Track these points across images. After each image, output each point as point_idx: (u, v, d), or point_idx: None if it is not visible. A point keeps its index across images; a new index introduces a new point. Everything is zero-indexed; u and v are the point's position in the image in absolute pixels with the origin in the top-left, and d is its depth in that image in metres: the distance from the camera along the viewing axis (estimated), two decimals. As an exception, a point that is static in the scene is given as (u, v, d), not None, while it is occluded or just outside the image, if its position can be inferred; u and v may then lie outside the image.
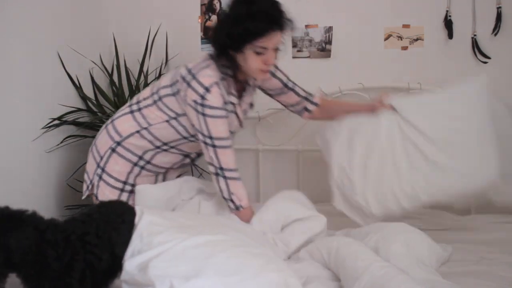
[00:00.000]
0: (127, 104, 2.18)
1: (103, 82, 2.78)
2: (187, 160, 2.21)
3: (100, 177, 2.11)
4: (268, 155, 2.70)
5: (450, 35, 2.42)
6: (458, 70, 2.45)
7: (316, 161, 2.65)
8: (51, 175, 2.45)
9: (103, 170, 2.10)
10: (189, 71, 1.96)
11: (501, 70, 2.40)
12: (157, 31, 2.76)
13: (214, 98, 1.91)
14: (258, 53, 1.90)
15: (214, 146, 1.95)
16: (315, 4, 2.59)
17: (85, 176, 2.18)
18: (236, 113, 2.07)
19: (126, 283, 1.48)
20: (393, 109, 2.08)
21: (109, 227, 1.51)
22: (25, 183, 2.29)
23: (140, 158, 2.10)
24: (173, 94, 2.01)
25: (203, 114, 1.92)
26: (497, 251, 1.92)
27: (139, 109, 2.09)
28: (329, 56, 2.59)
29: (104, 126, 2.18)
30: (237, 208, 1.98)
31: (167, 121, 2.04)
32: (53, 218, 1.52)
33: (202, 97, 1.91)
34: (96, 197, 2.13)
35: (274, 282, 1.45)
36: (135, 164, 2.11)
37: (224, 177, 1.96)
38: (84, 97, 2.63)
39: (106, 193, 2.10)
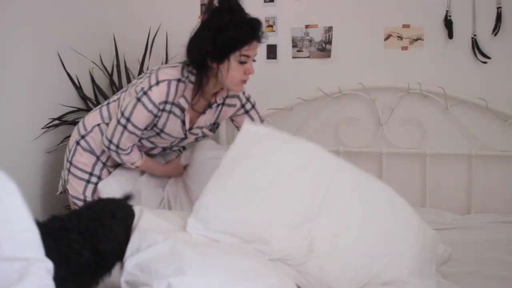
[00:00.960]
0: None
1: (103, 82, 2.78)
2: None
3: (69, 171, 2.14)
4: (268, 155, 2.70)
5: (450, 35, 2.42)
6: (458, 70, 2.45)
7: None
8: (51, 175, 2.45)
9: (70, 163, 2.14)
10: (157, 68, 2.03)
11: (501, 70, 2.40)
12: (157, 31, 2.76)
13: (158, 92, 1.95)
14: (241, 62, 1.93)
15: (124, 127, 2.00)
16: (315, 4, 2.59)
17: (62, 173, 2.23)
18: (183, 121, 2.06)
19: (127, 283, 1.48)
20: None
21: (95, 223, 1.50)
22: (25, 183, 2.28)
23: (103, 152, 2.14)
24: (135, 84, 2.05)
25: (138, 99, 1.96)
26: (497, 250, 1.92)
27: (108, 104, 2.16)
28: (329, 56, 2.59)
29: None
30: (135, 167, 2.14)
31: None
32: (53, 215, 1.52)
33: (150, 87, 1.95)
34: (67, 192, 2.17)
35: (273, 285, 1.44)
36: (98, 158, 2.15)
37: (117, 153, 2.06)
38: (84, 97, 2.63)
39: (73, 186, 2.14)
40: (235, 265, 1.48)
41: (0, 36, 2.16)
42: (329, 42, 2.59)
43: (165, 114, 2.02)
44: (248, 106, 2.22)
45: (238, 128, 2.25)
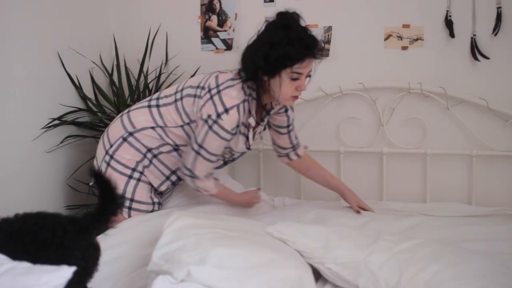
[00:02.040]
0: (147, 98, 2.21)
1: (103, 82, 2.78)
2: None
3: (108, 164, 2.12)
4: (268, 155, 2.70)
5: (452, 35, 2.42)
6: (458, 70, 2.45)
7: (317, 161, 2.65)
8: (51, 175, 2.45)
9: (111, 157, 2.11)
10: (217, 85, 2.00)
11: (501, 70, 2.40)
12: (157, 31, 2.76)
13: (229, 120, 1.96)
14: (292, 79, 1.94)
15: (198, 153, 2.00)
16: (315, 4, 2.59)
17: (94, 162, 2.20)
18: (246, 136, 2.10)
19: (152, 273, 1.52)
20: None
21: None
22: (25, 183, 2.29)
23: (149, 150, 2.12)
24: (194, 96, 2.04)
25: (210, 128, 1.96)
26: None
27: (157, 106, 2.13)
28: (327, 55, 2.58)
29: (119, 115, 2.21)
30: (209, 195, 2.12)
31: (181, 126, 2.07)
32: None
33: (218, 116, 1.95)
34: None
35: (289, 277, 1.48)
36: (145, 155, 2.13)
37: (192, 178, 2.05)
38: (84, 97, 2.62)
39: (113, 178, 2.09)
40: (255, 257, 1.53)
41: (0, 36, 2.15)
42: (328, 41, 2.59)
43: (235, 137, 2.05)
44: (291, 127, 2.28)
45: (274, 142, 2.33)
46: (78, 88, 2.60)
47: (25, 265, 1.23)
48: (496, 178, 2.45)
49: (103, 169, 2.12)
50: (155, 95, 2.18)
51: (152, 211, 2.16)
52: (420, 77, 2.46)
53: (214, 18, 2.74)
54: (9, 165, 2.21)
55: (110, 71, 2.78)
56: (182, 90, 2.10)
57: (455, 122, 2.46)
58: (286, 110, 2.23)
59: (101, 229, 1.49)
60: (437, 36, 2.46)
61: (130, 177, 2.11)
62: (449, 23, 2.42)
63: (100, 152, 2.17)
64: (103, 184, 1.49)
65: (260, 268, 1.48)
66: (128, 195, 2.10)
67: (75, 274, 1.21)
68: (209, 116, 1.96)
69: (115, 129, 2.15)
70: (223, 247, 1.53)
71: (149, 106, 2.13)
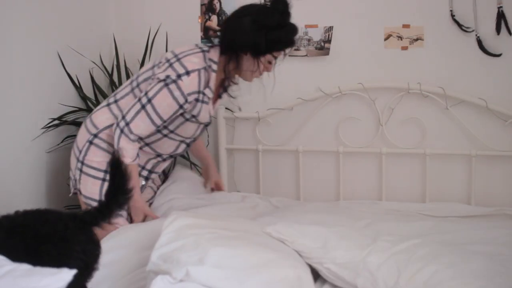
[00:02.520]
0: (106, 98, 2.21)
1: (103, 82, 2.78)
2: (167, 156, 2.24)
3: (81, 170, 2.11)
4: (268, 155, 2.70)
5: (462, 29, 2.39)
6: (457, 70, 2.44)
7: (316, 161, 2.65)
8: (51, 175, 2.45)
9: (82, 163, 2.11)
10: (175, 54, 1.99)
11: (501, 70, 2.40)
12: (157, 31, 2.76)
13: (189, 83, 1.94)
14: (270, 62, 2.04)
15: (143, 107, 1.95)
16: (315, 4, 2.59)
17: (70, 173, 2.20)
18: (209, 106, 2.10)
19: (151, 272, 1.52)
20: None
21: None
22: (25, 183, 2.29)
23: None
24: (151, 77, 2.02)
25: (166, 85, 1.93)
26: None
27: (116, 101, 2.13)
28: (327, 53, 2.58)
29: (83, 123, 2.21)
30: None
31: None
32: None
33: (178, 76, 1.93)
34: (80, 192, 2.13)
35: (288, 277, 1.49)
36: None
37: (122, 131, 1.97)
38: (84, 97, 2.63)
39: (88, 185, 2.09)
40: (255, 257, 1.53)
41: (0, 36, 2.16)
42: (328, 41, 2.59)
43: (199, 104, 2.04)
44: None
45: None
46: (78, 88, 2.60)
47: (25, 267, 1.24)
48: (496, 178, 2.45)
49: (77, 177, 2.11)
50: (112, 94, 2.18)
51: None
52: (419, 77, 2.46)
53: (214, 18, 2.74)
54: (9, 165, 2.22)
55: (110, 71, 2.79)
56: (137, 77, 2.10)
57: (454, 122, 2.46)
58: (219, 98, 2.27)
59: (102, 225, 1.50)
60: (437, 36, 2.45)
61: (104, 180, 2.08)
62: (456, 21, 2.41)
63: (72, 161, 2.17)
64: (117, 175, 1.47)
65: (259, 268, 1.48)
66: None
67: (76, 273, 1.21)
68: (168, 76, 1.93)
69: (81, 135, 2.15)
70: (222, 247, 1.52)
71: (108, 105, 2.14)
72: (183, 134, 2.16)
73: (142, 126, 1.98)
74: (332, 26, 2.57)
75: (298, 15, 2.58)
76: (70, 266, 1.22)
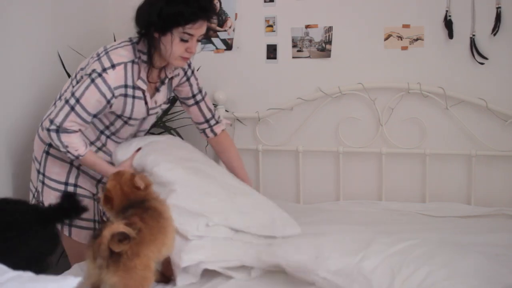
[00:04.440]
0: (53, 100, 2.12)
1: (103, 82, 2.78)
2: None
3: (43, 183, 2.04)
4: (268, 155, 2.70)
5: (451, 35, 2.42)
6: (458, 70, 2.45)
7: (316, 161, 2.65)
8: (51, 175, 2.45)
9: (43, 175, 2.04)
10: (105, 48, 1.95)
11: (501, 70, 2.40)
12: (157, 31, 2.75)
13: (114, 76, 1.88)
14: (183, 40, 1.89)
15: (72, 108, 1.87)
16: (315, 4, 2.59)
17: (30, 185, 2.13)
18: (145, 100, 2.00)
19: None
20: None
21: None
22: (25, 183, 2.29)
23: (77, 157, 1.97)
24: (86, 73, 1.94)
25: (92, 80, 1.86)
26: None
27: (55, 105, 2.03)
28: (329, 56, 2.59)
29: (37, 131, 2.11)
30: (77, 157, 1.92)
31: None
32: None
33: (104, 70, 1.87)
34: (42, 204, 2.04)
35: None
36: (71, 164, 2.05)
37: (57, 134, 1.88)
38: (84, 97, 2.62)
39: (51, 198, 2.00)
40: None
41: (0, 36, 2.15)
42: (329, 42, 2.59)
43: (129, 100, 1.95)
44: (189, 72, 2.14)
45: (182, 100, 2.19)
46: (78, 88, 2.60)
47: (29, 274, 1.25)
48: (496, 178, 2.45)
49: (40, 189, 2.04)
50: (57, 95, 2.08)
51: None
52: (419, 77, 2.47)
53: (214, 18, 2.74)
54: (9, 166, 2.21)
55: (110, 71, 2.78)
56: (75, 75, 2.02)
57: (454, 122, 2.46)
58: (188, 79, 2.13)
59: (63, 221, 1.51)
60: (437, 36, 2.46)
61: (65, 192, 2.01)
62: (448, 23, 2.42)
63: (33, 173, 2.10)
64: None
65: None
66: None
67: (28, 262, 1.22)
68: (94, 70, 1.87)
69: (36, 145, 2.08)
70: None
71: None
72: (124, 136, 2.10)
73: (74, 123, 1.89)
74: (332, 26, 2.58)
75: (298, 15, 2.61)
76: (22, 257, 1.23)
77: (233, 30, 2.72)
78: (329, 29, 2.59)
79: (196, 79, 2.17)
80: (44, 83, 2.40)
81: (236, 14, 2.70)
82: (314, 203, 2.61)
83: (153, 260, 1.53)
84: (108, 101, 1.90)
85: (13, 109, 2.23)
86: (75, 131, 1.90)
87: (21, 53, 2.26)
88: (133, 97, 1.96)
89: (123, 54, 1.91)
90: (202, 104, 2.20)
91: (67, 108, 1.87)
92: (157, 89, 2.05)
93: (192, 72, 2.15)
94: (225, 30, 2.72)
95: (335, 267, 1.63)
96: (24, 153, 2.29)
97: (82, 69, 2.02)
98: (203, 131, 2.25)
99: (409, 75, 2.48)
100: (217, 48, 2.75)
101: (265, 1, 2.66)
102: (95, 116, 1.92)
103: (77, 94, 1.87)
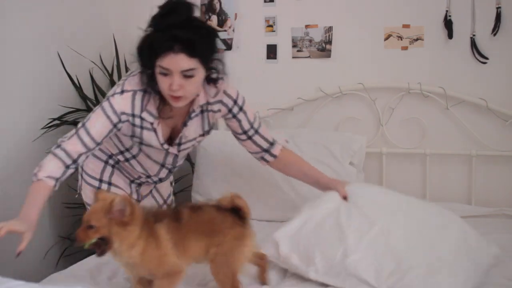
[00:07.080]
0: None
1: (103, 82, 2.78)
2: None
3: (82, 176, 2.08)
4: (268, 155, 2.70)
5: (450, 35, 2.42)
6: (458, 70, 2.45)
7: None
8: (51, 175, 2.45)
9: (82, 169, 2.07)
10: (128, 73, 1.89)
11: (501, 70, 2.40)
12: (157, 31, 2.75)
13: (120, 101, 1.76)
14: (162, 74, 1.68)
15: (76, 132, 1.75)
16: (315, 4, 2.59)
17: (78, 176, 2.15)
18: (155, 132, 1.85)
19: None
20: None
21: None
22: (25, 183, 2.29)
23: (110, 157, 2.02)
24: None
25: (101, 104, 1.79)
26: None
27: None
28: (329, 56, 2.59)
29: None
30: (34, 174, 1.69)
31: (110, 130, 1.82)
32: None
33: (112, 95, 1.78)
34: (81, 196, 2.09)
35: None
36: (106, 163, 2.05)
37: (55, 147, 1.74)
38: (84, 97, 2.63)
39: (86, 192, 2.04)
40: None
41: (0, 36, 2.16)
42: (329, 42, 2.59)
43: (137, 130, 1.84)
44: (235, 110, 1.93)
45: (234, 133, 2.02)
46: (78, 88, 2.60)
47: (34, 285, 1.25)
48: (496, 178, 2.45)
49: (80, 184, 2.06)
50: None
51: None
52: (419, 77, 2.47)
53: (214, 18, 2.74)
54: (9, 166, 2.22)
55: (110, 71, 2.78)
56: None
57: (454, 122, 2.46)
58: (235, 115, 1.93)
59: None
60: (437, 36, 2.46)
61: (99, 188, 1.98)
62: (448, 23, 2.42)
63: (79, 169, 2.07)
64: None
65: None
66: None
67: None
68: (106, 95, 1.82)
69: None
70: None
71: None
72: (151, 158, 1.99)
73: (74, 146, 1.74)
74: (332, 26, 2.58)
75: (298, 15, 2.61)
76: None
77: (233, 30, 2.72)
78: (329, 29, 2.59)
79: (245, 113, 1.94)
80: (44, 83, 2.41)
81: (236, 14, 2.71)
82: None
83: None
84: (115, 125, 1.79)
85: (13, 109, 2.23)
86: (63, 158, 1.73)
87: (21, 53, 2.27)
88: (141, 127, 1.84)
89: (135, 82, 1.80)
90: (256, 138, 1.99)
91: (73, 131, 1.80)
92: (184, 124, 1.88)
93: (240, 109, 1.92)
94: (225, 30, 2.73)
95: (321, 264, 1.67)
96: (25, 153, 2.30)
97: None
98: (261, 158, 2.05)
99: (409, 75, 2.48)
100: (217, 48, 2.75)
101: (265, 1, 2.66)
102: (98, 144, 1.79)
103: (85, 120, 1.80)
